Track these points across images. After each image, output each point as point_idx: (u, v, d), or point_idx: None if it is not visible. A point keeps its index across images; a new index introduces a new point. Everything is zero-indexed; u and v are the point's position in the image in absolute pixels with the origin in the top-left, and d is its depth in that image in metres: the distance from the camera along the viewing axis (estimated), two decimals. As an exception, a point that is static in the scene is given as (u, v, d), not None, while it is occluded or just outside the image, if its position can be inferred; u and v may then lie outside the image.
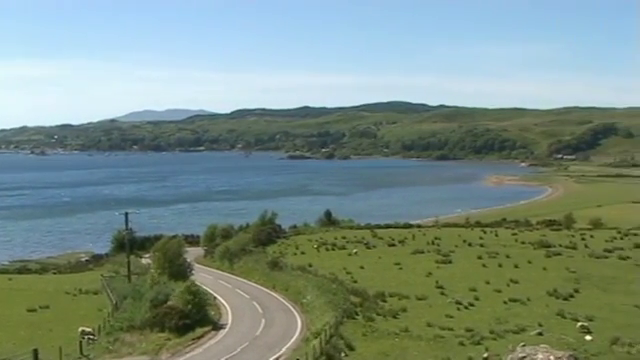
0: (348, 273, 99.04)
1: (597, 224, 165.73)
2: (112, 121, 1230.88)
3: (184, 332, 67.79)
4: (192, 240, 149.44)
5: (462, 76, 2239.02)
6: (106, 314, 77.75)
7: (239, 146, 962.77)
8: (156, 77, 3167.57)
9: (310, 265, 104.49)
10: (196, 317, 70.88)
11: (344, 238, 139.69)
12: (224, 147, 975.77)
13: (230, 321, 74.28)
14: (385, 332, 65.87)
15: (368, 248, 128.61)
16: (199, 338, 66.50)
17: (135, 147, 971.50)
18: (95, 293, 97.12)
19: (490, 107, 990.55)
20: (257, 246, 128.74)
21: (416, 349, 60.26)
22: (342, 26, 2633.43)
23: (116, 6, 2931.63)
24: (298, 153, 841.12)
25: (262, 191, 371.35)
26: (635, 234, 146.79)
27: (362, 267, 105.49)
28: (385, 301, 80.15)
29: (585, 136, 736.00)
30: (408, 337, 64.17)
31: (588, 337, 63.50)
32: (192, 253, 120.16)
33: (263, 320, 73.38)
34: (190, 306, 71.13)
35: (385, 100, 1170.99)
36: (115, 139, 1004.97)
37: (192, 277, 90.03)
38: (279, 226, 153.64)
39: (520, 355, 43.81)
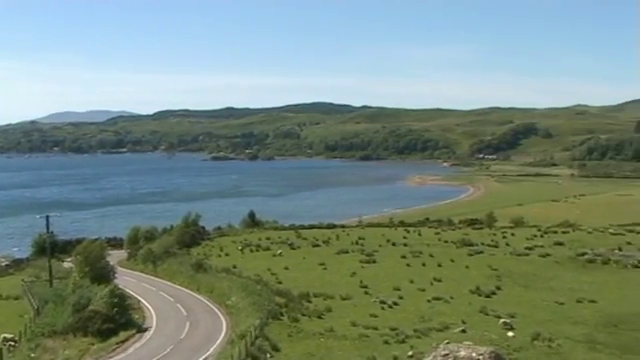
0: (273, 274, 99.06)
1: (518, 222, 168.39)
2: (32, 122, 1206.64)
3: (108, 336, 67.11)
4: (115, 243, 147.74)
5: (385, 77, 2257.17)
6: (27, 320, 76.39)
7: (162, 147, 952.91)
8: (77, 78, 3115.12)
9: (234, 266, 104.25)
10: (120, 321, 70.21)
11: (268, 239, 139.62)
12: (147, 148, 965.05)
13: (154, 324, 73.73)
14: (310, 332, 66.05)
15: (292, 249, 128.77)
16: (123, 342, 65.87)
17: (56, 149, 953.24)
18: (16, 298, 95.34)
19: (413, 108, 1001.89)
20: (181, 248, 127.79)
21: (341, 349, 60.57)
22: (266, 27, 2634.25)
23: (35, 6, 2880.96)
24: (222, 154, 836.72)
25: (186, 193, 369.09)
26: (555, 232, 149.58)
27: (287, 268, 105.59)
28: (310, 301, 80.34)
29: (506, 136, 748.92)
30: (333, 337, 64.45)
31: (510, 333, 64.62)
32: (115, 256, 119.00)
33: (188, 323, 73.00)
34: (114, 310, 70.44)
35: (309, 101, 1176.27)
36: (35, 141, 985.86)
37: (115, 280, 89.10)
38: (203, 228, 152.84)
39: (443, 352, 44.31)
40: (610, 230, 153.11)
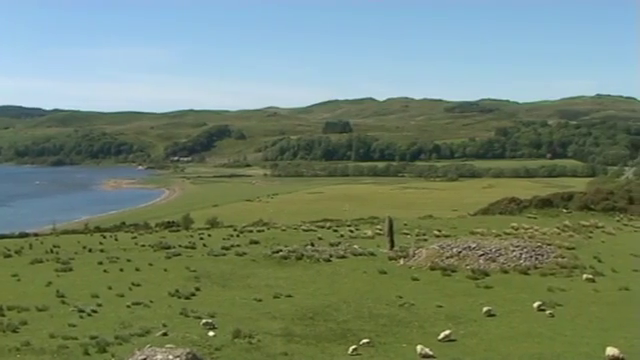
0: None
1: (214, 223, 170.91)
2: None
3: None
4: None
5: (76, 79, 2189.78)
6: None
7: None
8: None
9: None
10: None
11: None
12: None
13: None
14: (5, 348, 63.24)
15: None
16: None
17: None
18: None
19: (106, 111, 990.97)
20: None
21: (39, 362, 58.68)
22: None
23: None
24: None
25: None
26: (250, 231, 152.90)
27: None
28: (4, 315, 76.80)
29: (200, 138, 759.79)
30: (30, 351, 62.14)
31: (211, 333, 65.41)
32: None
33: None
34: None
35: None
36: None
37: None
38: None
39: (140, 357, 44.33)
40: (302, 227, 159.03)
